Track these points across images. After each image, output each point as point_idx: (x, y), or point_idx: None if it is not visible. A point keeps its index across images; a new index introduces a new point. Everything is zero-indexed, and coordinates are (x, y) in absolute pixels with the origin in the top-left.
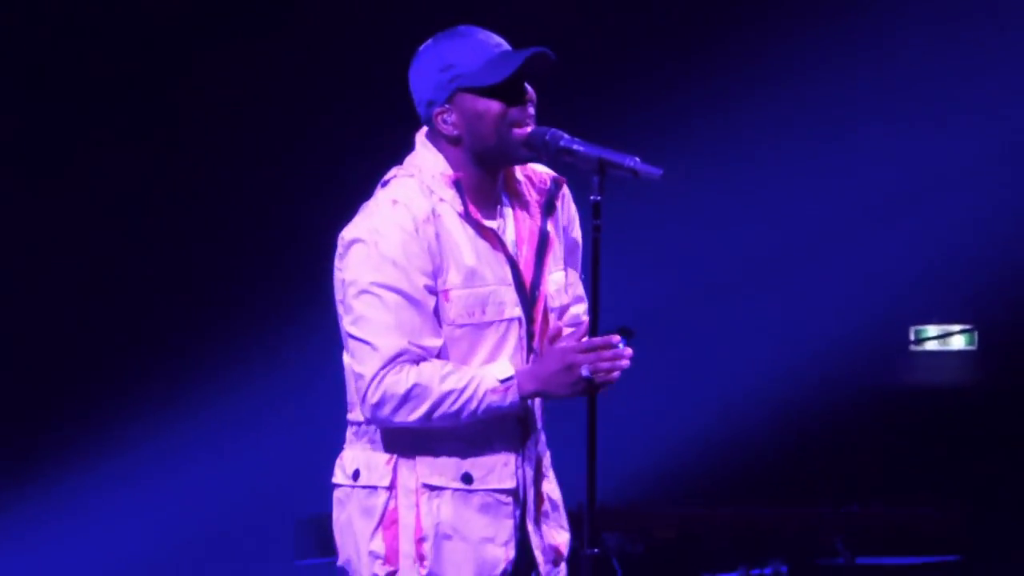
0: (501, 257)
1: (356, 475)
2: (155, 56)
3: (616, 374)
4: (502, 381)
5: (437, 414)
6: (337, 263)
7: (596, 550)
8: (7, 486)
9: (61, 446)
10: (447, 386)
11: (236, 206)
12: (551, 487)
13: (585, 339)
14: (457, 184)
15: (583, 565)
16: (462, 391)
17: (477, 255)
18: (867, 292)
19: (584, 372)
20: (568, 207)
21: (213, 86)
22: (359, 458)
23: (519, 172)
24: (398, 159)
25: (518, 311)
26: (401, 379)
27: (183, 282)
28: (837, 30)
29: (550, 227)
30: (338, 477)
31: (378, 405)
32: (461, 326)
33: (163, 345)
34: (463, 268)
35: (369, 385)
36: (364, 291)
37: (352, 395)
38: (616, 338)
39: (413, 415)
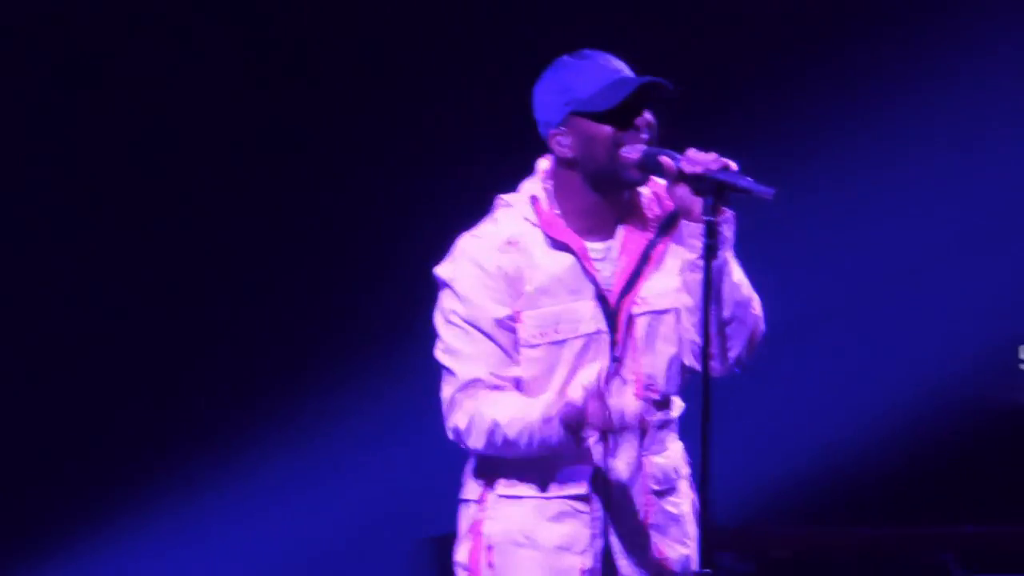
0: (581, 273)
1: (461, 491)
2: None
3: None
4: (544, 419)
5: (498, 443)
6: (438, 284)
7: (709, 571)
8: (129, 509)
9: (184, 464)
10: (499, 416)
11: (365, 216)
12: (674, 499)
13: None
14: (534, 202)
15: None
16: (511, 422)
17: (553, 273)
18: (977, 310)
19: (614, 423)
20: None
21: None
22: (465, 475)
23: (647, 189)
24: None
25: (595, 325)
26: (469, 408)
27: (301, 297)
28: (964, 35)
29: (663, 242)
30: (461, 494)
31: (454, 431)
32: (535, 346)
33: (283, 361)
34: (536, 289)
35: (447, 411)
36: (448, 321)
37: None
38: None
39: (479, 443)
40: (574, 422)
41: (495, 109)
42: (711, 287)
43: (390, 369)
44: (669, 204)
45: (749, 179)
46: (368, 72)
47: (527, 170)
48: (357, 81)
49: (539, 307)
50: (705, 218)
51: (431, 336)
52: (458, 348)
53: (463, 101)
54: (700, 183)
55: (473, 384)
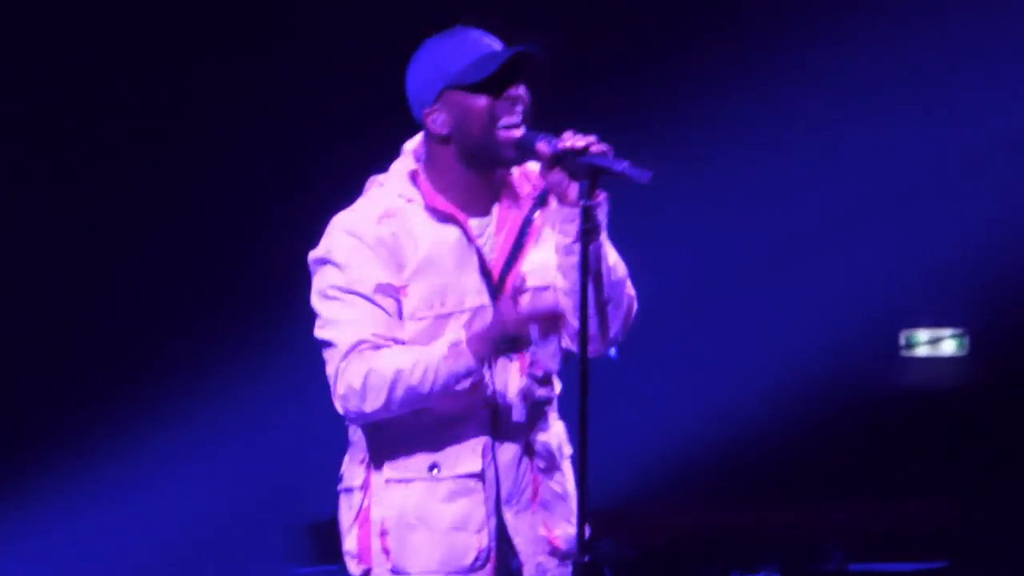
0: (466, 247)
1: (340, 479)
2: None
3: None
4: (451, 346)
5: (398, 395)
6: (311, 266)
7: (588, 557)
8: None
9: (54, 452)
10: (400, 364)
11: (229, 208)
12: (559, 478)
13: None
14: (413, 177)
15: (575, 573)
16: (414, 366)
17: (437, 247)
18: (857, 297)
19: (530, 337)
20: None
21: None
22: (345, 462)
23: (516, 170)
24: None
25: (481, 299)
26: (360, 368)
27: (172, 289)
28: (829, 34)
29: (538, 217)
30: (340, 482)
31: (345, 398)
32: (421, 318)
33: (154, 351)
34: (420, 261)
35: (335, 382)
36: (326, 296)
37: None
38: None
39: (377, 402)
40: (483, 345)
41: (359, 92)
42: (588, 271)
43: (266, 355)
44: (540, 182)
45: (626, 163)
46: (229, 66)
47: (394, 153)
48: (221, 72)
49: (424, 279)
50: (582, 202)
51: (308, 320)
52: (338, 318)
53: (325, 88)
54: (576, 167)
55: (357, 347)
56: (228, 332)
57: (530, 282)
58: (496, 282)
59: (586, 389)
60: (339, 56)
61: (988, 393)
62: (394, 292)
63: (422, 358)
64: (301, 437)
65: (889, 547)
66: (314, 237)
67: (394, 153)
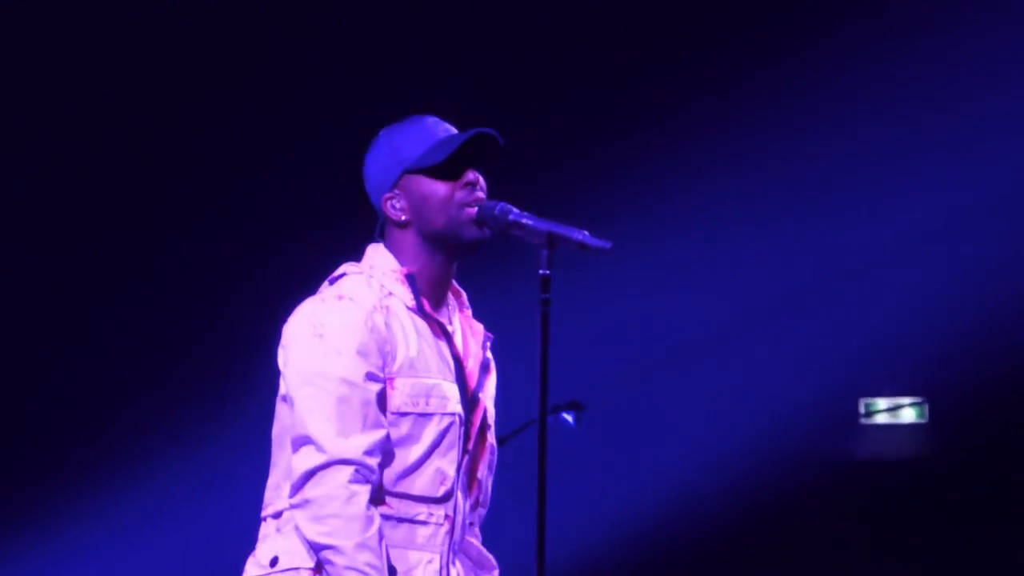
0: (447, 353)
1: (275, 561)
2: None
3: None
4: None
5: (326, 558)
6: (281, 356)
7: None
8: None
9: (36, 493)
10: (354, 562)
11: (190, 274)
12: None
13: None
14: (410, 279)
15: None
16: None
17: (424, 347)
18: (816, 365)
19: None
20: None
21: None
22: (279, 547)
23: (467, 305)
24: (349, 251)
25: (459, 408)
26: (334, 502)
27: (133, 344)
28: (781, 104)
29: (490, 360)
30: (251, 571)
31: (303, 505)
32: (404, 415)
33: (117, 410)
34: (409, 357)
35: (304, 481)
36: (309, 383)
37: (274, 487)
38: None
39: (318, 538)
40: None
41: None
42: (547, 348)
43: (225, 412)
44: (479, 326)
45: (584, 232)
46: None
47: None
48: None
49: (411, 377)
50: (540, 272)
51: (266, 392)
52: (320, 412)
53: (287, 172)
54: (536, 236)
55: (341, 465)
56: (224, 372)
57: (489, 419)
58: (470, 398)
59: (544, 455)
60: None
61: (948, 461)
62: (382, 382)
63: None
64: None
65: None
66: (272, 301)
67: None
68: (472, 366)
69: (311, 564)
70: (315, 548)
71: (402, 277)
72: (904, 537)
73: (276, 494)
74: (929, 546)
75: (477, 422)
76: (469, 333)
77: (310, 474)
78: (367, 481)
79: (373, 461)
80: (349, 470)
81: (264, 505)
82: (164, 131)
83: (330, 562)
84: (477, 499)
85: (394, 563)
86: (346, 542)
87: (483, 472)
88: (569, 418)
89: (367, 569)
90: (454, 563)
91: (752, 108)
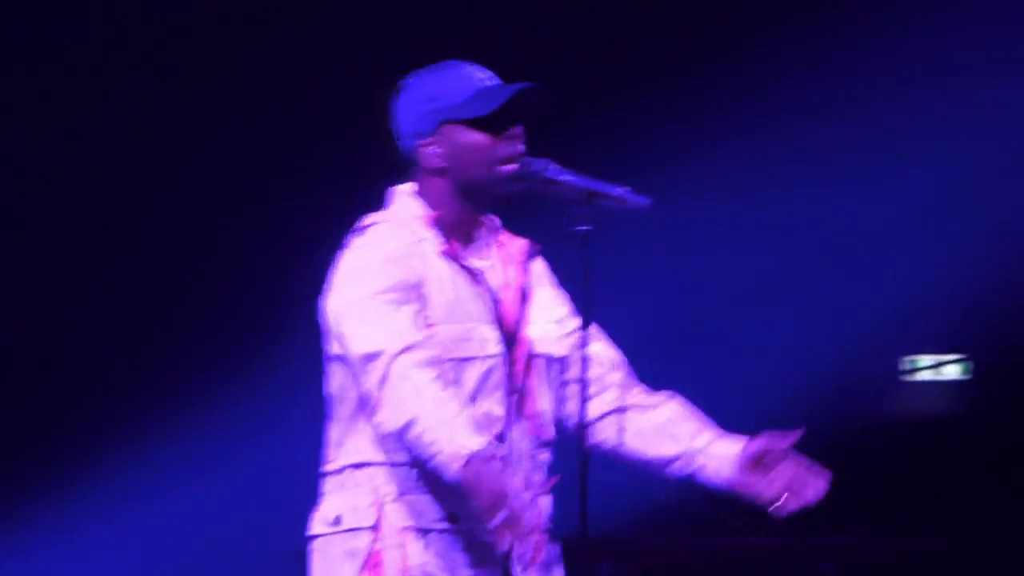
0: (483, 295)
1: (338, 520)
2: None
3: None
4: (470, 463)
5: (409, 437)
6: (323, 309)
7: None
8: None
9: (44, 472)
10: (429, 409)
11: (222, 223)
12: (553, 541)
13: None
14: (438, 222)
15: None
16: (435, 427)
17: (458, 292)
18: (859, 322)
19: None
20: (539, 267)
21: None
22: (340, 504)
23: (503, 233)
24: (375, 193)
25: (499, 349)
26: (409, 382)
27: (163, 310)
28: (832, 59)
29: (531, 280)
30: (316, 528)
31: (381, 404)
32: (444, 361)
33: (146, 371)
34: (446, 303)
35: (380, 389)
36: (351, 311)
37: (334, 443)
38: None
39: (400, 421)
40: (493, 510)
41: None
42: (590, 299)
43: (259, 379)
44: (521, 247)
45: (624, 188)
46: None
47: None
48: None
49: (448, 322)
50: (580, 228)
51: (299, 343)
52: (376, 325)
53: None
54: (574, 193)
55: (404, 354)
56: (221, 353)
57: (538, 348)
58: (509, 336)
59: (585, 413)
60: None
61: (991, 418)
62: (420, 305)
63: (445, 429)
64: (293, 462)
65: (889, 573)
66: (306, 267)
67: (368, 194)
68: (510, 300)
69: (371, 523)
70: (401, 436)
71: (429, 222)
72: (947, 494)
73: (336, 451)
74: (972, 502)
75: (521, 359)
76: (505, 261)
77: (381, 381)
78: (432, 367)
79: (432, 352)
80: (413, 356)
81: (325, 461)
82: (183, 85)
83: (416, 435)
84: (539, 437)
85: (456, 510)
86: (424, 409)
87: (541, 407)
88: None
89: (453, 419)
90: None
91: (795, 61)
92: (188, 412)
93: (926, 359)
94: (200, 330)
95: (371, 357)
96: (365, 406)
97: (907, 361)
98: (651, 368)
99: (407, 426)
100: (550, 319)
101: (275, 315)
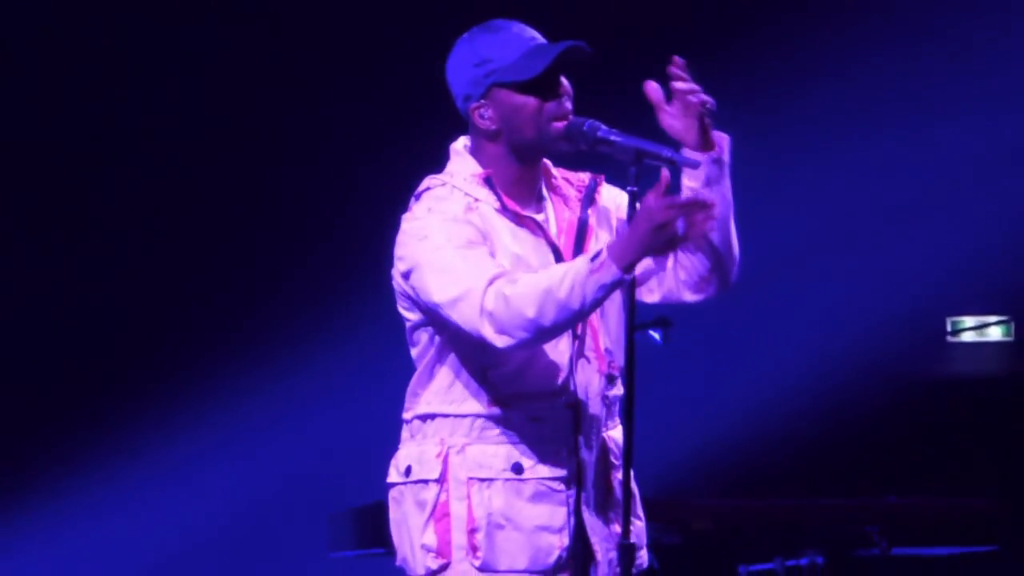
0: (543, 245)
1: (408, 471)
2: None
3: (709, 223)
4: (592, 260)
5: (549, 313)
6: (399, 270)
7: (634, 542)
8: (43, 478)
9: (94, 442)
10: (546, 281)
11: (266, 201)
12: (625, 477)
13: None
14: (488, 181)
15: (620, 554)
16: (562, 280)
17: (521, 245)
18: (904, 283)
19: (678, 228)
20: (611, 193)
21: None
22: (412, 454)
23: (556, 172)
24: (436, 154)
25: None
26: (503, 294)
27: (213, 281)
28: (870, 24)
29: (591, 217)
30: (392, 476)
31: (495, 324)
32: None
33: (201, 338)
34: (510, 255)
35: (481, 319)
36: (432, 262)
37: (411, 393)
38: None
39: (520, 318)
40: (626, 252)
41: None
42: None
43: (307, 346)
44: (580, 184)
45: (672, 149)
46: (263, 71)
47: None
48: (258, 78)
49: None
50: (628, 188)
51: (345, 312)
52: (458, 267)
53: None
54: (624, 153)
55: (493, 281)
56: (269, 323)
57: None
58: None
59: (631, 379)
60: (379, 57)
61: None
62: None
63: (569, 272)
64: (341, 426)
65: (934, 534)
66: (357, 229)
67: (433, 153)
68: (566, 244)
69: (436, 475)
70: (538, 328)
71: (481, 180)
72: (990, 454)
73: (412, 401)
74: (1016, 463)
75: None
76: (561, 204)
77: (479, 312)
78: (514, 280)
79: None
80: (500, 282)
81: (404, 408)
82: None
83: (547, 324)
84: (606, 374)
85: (520, 459)
86: (533, 309)
87: (604, 344)
88: (656, 335)
89: (561, 286)
90: (585, 447)
91: (851, 21)
92: (245, 379)
93: (970, 320)
94: (258, 296)
95: (459, 299)
96: (443, 357)
97: (951, 323)
98: (698, 326)
99: (541, 309)
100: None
101: (337, 284)
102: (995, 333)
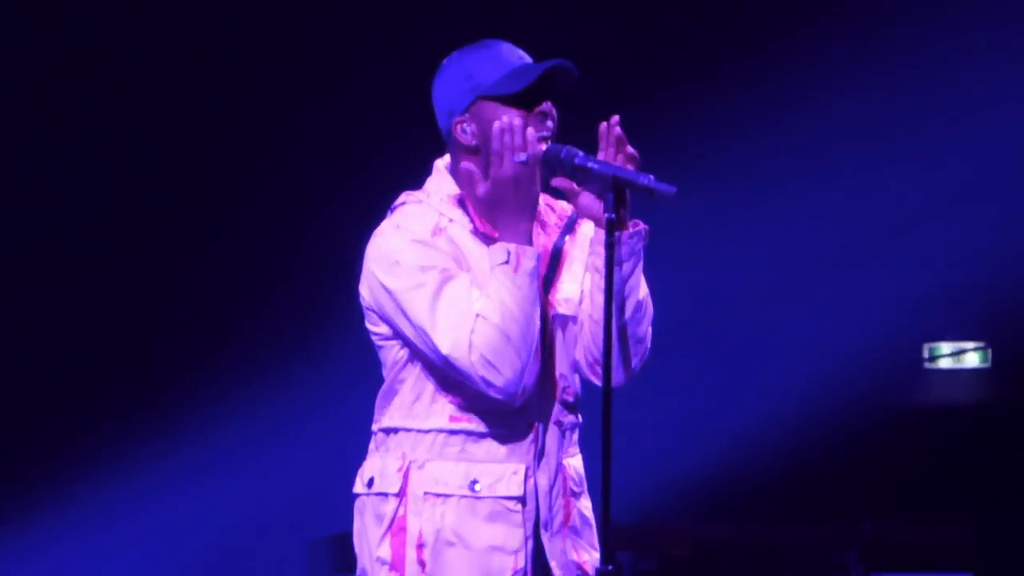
0: None
1: (371, 483)
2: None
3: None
4: (505, 262)
5: (516, 332)
6: (369, 288)
7: (611, 567)
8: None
9: (72, 464)
10: (497, 311)
11: (247, 217)
12: (584, 504)
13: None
14: (462, 202)
15: None
16: (503, 302)
17: (485, 267)
18: (880, 310)
19: (518, 158)
20: (591, 230)
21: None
22: (375, 467)
23: (542, 200)
24: (416, 171)
25: None
26: (456, 310)
27: (191, 299)
28: (852, 55)
29: (567, 244)
30: (356, 486)
31: (485, 370)
32: None
33: (178, 363)
34: (477, 276)
35: (473, 369)
36: (409, 290)
37: (377, 405)
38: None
39: (511, 348)
40: (508, 226)
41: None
42: (611, 289)
43: (287, 371)
44: (564, 212)
45: (650, 176)
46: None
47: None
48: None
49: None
50: (605, 215)
51: (330, 335)
52: (422, 264)
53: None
54: (602, 180)
55: (449, 280)
56: (248, 347)
57: (564, 309)
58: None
59: (608, 409)
60: (366, 68)
61: (1011, 405)
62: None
63: (499, 289)
64: (320, 451)
65: (911, 559)
66: (333, 247)
67: (413, 172)
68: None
69: (396, 489)
70: (505, 336)
71: (455, 202)
72: (967, 481)
73: (379, 414)
74: (992, 489)
75: (544, 323)
76: (539, 230)
77: (482, 368)
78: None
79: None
80: (449, 273)
81: (374, 416)
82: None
83: (511, 336)
84: (563, 400)
85: (478, 476)
86: (490, 325)
87: (561, 368)
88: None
89: (496, 308)
90: (541, 470)
91: (812, 59)
92: (223, 403)
93: (946, 347)
94: (238, 318)
95: (435, 341)
96: (407, 373)
97: (928, 348)
98: (677, 356)
99: (516, 340)
100: (575, 279)
101: (316, 305)
102: (972, 359)
